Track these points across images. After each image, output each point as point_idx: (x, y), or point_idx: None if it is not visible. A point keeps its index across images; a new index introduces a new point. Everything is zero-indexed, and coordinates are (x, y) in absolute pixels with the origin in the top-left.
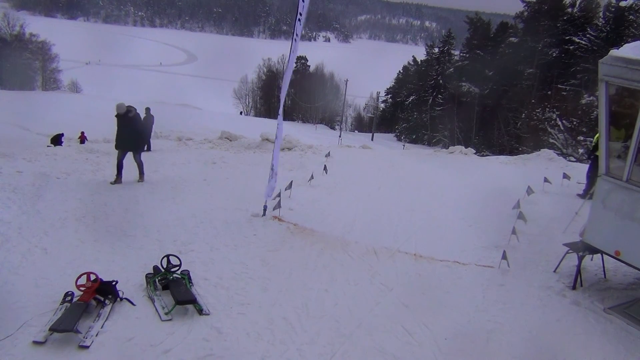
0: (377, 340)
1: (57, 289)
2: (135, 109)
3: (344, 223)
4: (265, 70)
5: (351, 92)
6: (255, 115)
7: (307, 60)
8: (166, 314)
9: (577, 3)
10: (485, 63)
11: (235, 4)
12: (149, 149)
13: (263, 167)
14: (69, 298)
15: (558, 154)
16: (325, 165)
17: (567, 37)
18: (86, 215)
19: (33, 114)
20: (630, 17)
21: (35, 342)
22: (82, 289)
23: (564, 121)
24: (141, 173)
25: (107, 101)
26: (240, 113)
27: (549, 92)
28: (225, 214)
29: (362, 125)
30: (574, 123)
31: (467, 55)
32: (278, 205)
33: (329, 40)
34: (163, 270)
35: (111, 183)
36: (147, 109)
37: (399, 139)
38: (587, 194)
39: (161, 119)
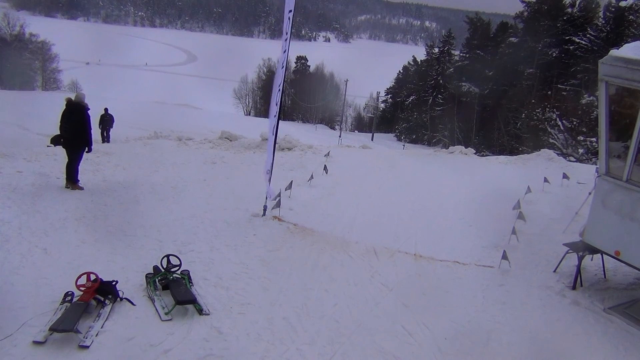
0: (377, 340)
1: (57, 289)
2: (82, 105)
3: (344, 223)
4: (265, 70)
5: (351, 92)
6: (255, 115)
7: (307, 60)
8: (166, 314)
9: (577, 3)
10: (485, 63)
11: (235, 4)
12: (89, 150)
13: (263, 167)
14: (69, 298)
15: (558, 154)
16: (325, 165)
17: (567, 37)
18: (86, 215)
19: (33, 114)
20: (630, 17)
21: (35, 342)
22: (82, 289)
23: (564, 121)
24: (69, 178)
25: (108, 101)
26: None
27: (549, 92)
28: (225, 214)
29: (362, 125)
30: (574, 123)
31: (467, 55)
32: (278, 205)
33: (329, 40)
34: (163, 270)
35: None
36: (106, 109)
37: (399, 139)
38: None
39: (161, 119)
